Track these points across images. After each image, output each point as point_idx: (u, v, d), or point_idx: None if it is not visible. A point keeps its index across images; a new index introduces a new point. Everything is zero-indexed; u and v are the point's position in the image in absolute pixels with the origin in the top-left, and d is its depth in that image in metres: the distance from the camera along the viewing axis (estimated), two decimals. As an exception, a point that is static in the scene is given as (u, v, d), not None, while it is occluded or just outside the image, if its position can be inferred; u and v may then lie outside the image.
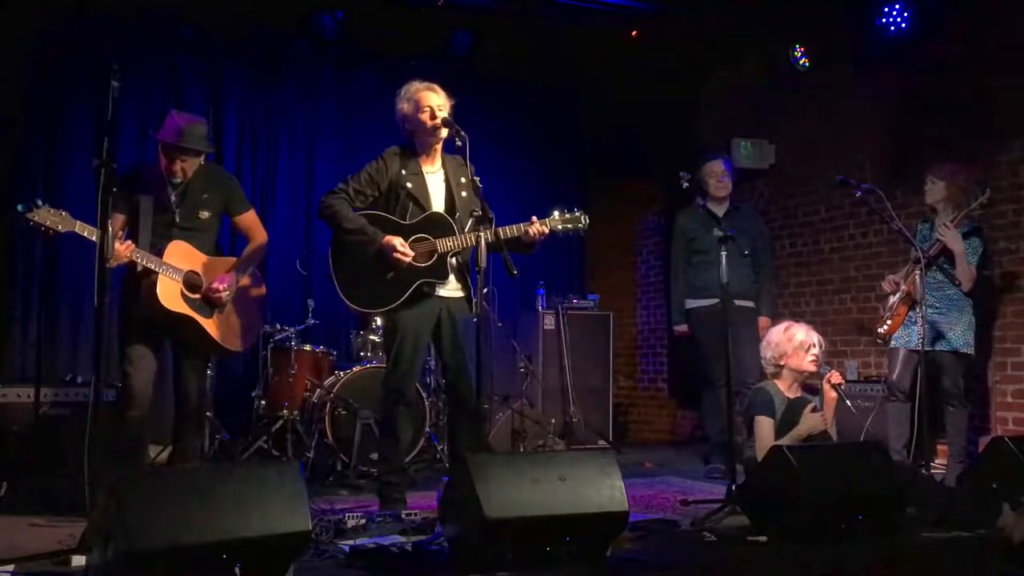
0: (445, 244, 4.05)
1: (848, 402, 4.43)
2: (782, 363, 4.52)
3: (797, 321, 4.73)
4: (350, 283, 4.06)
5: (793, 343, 4.50)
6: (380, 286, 4.03)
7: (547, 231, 4.09)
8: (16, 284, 6.28)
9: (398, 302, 4.03)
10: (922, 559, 3.39)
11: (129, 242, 3.95)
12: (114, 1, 6.39)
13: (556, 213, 4.16)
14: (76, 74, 6.42)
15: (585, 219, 4.17)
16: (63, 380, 5.40)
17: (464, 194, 4.16)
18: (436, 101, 4.10)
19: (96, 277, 3.32)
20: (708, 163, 5.84)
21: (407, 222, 4.08)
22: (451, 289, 4.13)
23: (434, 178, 4.19)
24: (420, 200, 4.11)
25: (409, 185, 4.10)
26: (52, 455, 4.87)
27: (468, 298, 4.16)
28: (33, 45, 6.24)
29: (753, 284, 5.77)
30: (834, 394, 4.35)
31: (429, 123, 4.08)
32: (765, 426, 4.39)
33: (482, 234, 3.76)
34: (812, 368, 4.50)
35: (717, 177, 5.77)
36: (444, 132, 4.09)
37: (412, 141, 4.20)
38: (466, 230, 4.10)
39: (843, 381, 4.42)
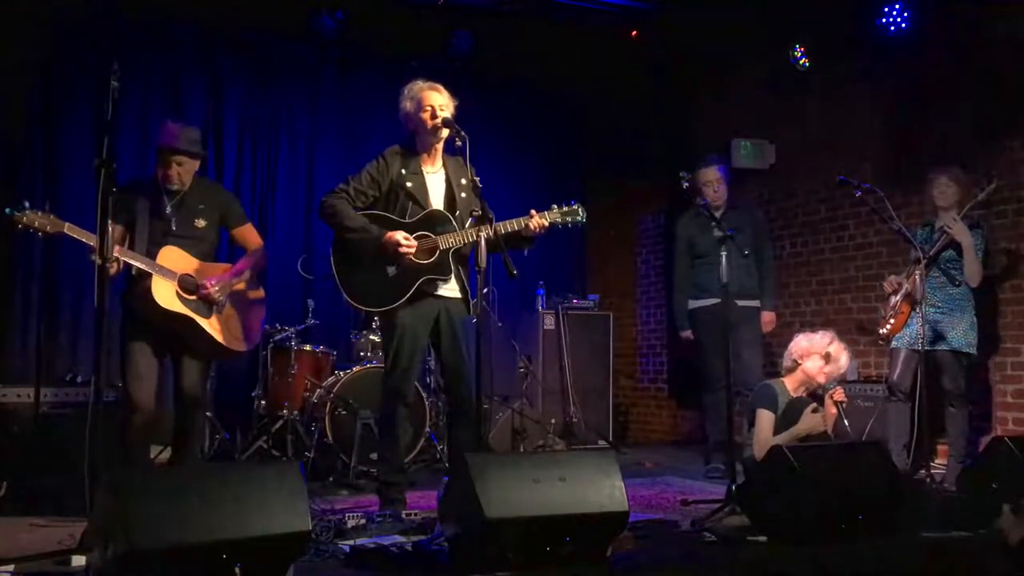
0: (447, 241, 4.06)
1: (846, 422, 4.43)
2: (800, 360, 4.55)
3: (813, 329, 4.77)
4: (352, 282, 4.06)
5: (822, 349, 4.52)
6: (382, 285, 4.03)
7: (546, 224, 4.11)
8: (16, 284, 6.28)
9: (401, 300, 4.03)
10: (922, 559, 3.39)
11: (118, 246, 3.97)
12: (114, 1, 6.39)
13: (555, 206, 4.19)
14: (76, 74, 6.42)
15: (583, 211, 4.20)
16: (63, 380, 5.40)
17: (464, 195, 4.17)
18: (439, 101, 4.11)
19: (96, 277, 3.32)
20: (702, 170, 5.77)
21: (407, 221, 4.09)
22: (450, 289, 4.14)
23: (434, 178, 4.20)
24: (419, 199, 4.11)
25: (409, 184, 4.11)
26: (52, 455, 4.87)
27: (466, 300, 4.17)
28: (33, 45, 6.24)
29: (755, 283, 5.76)
30: (834, 410, 4.39)
31: (430, 122, 4.09)
32: (765, 419, 4.42)
33: (483, 233, 3.77)
34: (820, 379, 4.53)
35: (712, 187, 5.71)
36: (445, 132, 4.10)
37: (413, 140, 4.21)
38: (466, 228, 4.11)
39: (846, 399, 4.45)
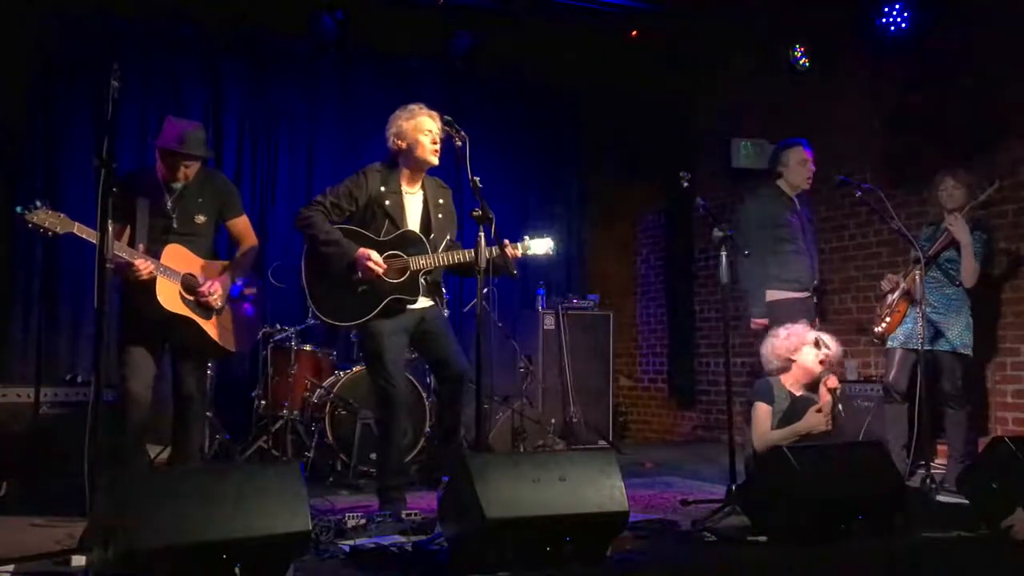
0: (418, 262, 4.09)
1: (840, 407, 4.42)
2: (793, 358, 4.54)
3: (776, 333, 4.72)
4: (322, 296, 4.10)
5: (811, 338, 4.53)
6: (351, 300, 4.06)
7: (518, 254, 4.16)
8: (16, 284, 6.28)
9: (367, 317, 4.06)
10: (922, 559, 3.39)
11: (149, 260, 3.97)
12: (114, 1, 6.39)
13: (526, 238, 4.28)
14: (76, 74, 6.41)
15: (554, 243, 4.30)
16: (63, 380, 5.39)
17: (441, 216, 4.24)
18: (436, 127, 4.16)
19: (96, 278, 3.32)
20: (790, 151, 5.34)
21: (381, 239, 4.12)
22: (420, 305, 4.18)
23: (413, 198, 4.25)
24: (395, 218, 4.16)
25: (387, 203, 4.15)
26: (52, 455, 4.86)
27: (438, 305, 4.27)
28: (33, 45, 6.24)
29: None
30: (828, 397, 4.38)
31: (430, 146, 4.13)
32: (762, 412, 4.44)
33: (481, 234, 3.76)
34: (818, 368, 4.51)
35: (807, 166, 5.30)
36: (435, 159, 4.16)
37: (396, 160, 4.24)
38: (440, 251, 4.16)
39: (839, 386, 4.44)
